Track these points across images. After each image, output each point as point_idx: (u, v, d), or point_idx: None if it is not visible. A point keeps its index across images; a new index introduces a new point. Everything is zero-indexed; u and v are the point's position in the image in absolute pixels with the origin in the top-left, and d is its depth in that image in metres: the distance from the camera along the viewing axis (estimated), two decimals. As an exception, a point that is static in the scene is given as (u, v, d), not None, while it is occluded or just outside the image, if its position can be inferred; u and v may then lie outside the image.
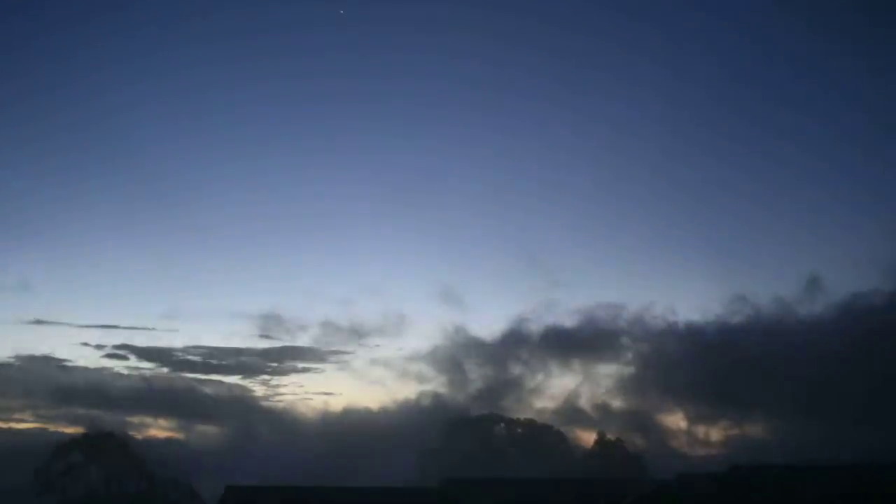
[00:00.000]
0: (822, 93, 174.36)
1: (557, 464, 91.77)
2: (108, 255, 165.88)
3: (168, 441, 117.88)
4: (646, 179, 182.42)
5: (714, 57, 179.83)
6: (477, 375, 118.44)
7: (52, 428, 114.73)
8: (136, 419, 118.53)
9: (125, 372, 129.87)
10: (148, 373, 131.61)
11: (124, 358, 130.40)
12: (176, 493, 79.19)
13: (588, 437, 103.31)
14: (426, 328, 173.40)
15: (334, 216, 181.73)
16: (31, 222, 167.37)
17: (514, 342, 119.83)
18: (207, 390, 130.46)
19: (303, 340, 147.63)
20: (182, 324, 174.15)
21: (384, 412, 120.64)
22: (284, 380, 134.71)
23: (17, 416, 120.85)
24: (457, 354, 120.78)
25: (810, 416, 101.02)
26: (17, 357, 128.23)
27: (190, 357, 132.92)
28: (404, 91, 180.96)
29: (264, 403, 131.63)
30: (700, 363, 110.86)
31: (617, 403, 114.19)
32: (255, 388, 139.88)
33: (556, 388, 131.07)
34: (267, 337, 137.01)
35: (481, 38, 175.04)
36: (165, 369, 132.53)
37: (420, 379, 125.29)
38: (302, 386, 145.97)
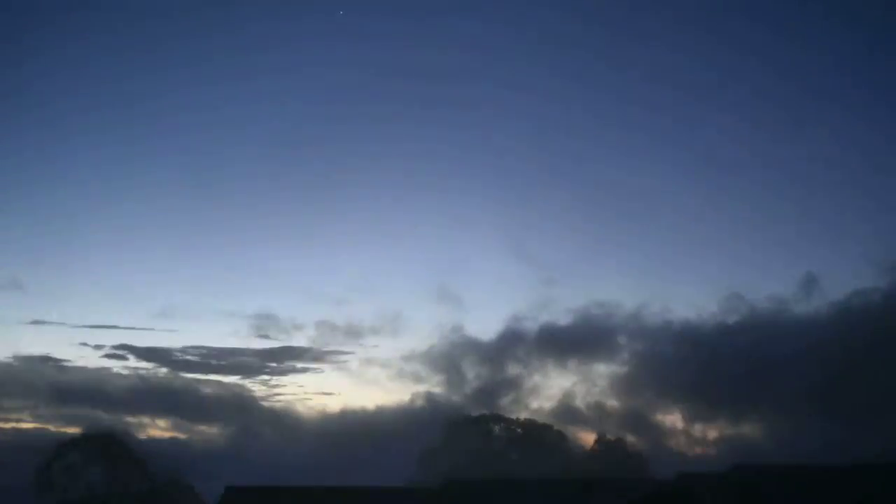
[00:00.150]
0: (819, 92, 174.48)
1: (557, 464, 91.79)
2: (105, 255, 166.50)
3: (168, 441, 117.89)
4: (642, 177, 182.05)
5: (710, 55, 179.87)
6: (474, 375, 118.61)
7: (51, 428, 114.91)
8: (135, 419, 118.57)
9: (124, 372, 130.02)
10: (147, 373, 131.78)
11: (123, 358, 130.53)
12: (176, 493, 79.11)
13: (588, 437, 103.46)
14: (423, 328, 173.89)
15: (329, 215, 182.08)
16: (30, 223, 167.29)
17: (511, 341, 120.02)
18: (207, 390, 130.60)
19: (299, 340, 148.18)
20: (179, 324, 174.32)
21: (383, 412, 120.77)
22: (284, 380, 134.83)
23: (16, 416, 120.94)
24: (454, 354, 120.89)
25: (807, 416, 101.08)
26: (16, 357, 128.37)
27: (189, 357, 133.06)
28: (400, 90, 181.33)
29: (264, 403, 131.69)
30: (696, 362, 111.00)
31: (613, 403, 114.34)
32: (254, 389, 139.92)
33: (553, 387, 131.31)
34: (265, 337, 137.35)
35: (478, 36, 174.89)
36: (164, 369, 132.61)
37: (418, 379, 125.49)
38: (301, 386, 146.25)
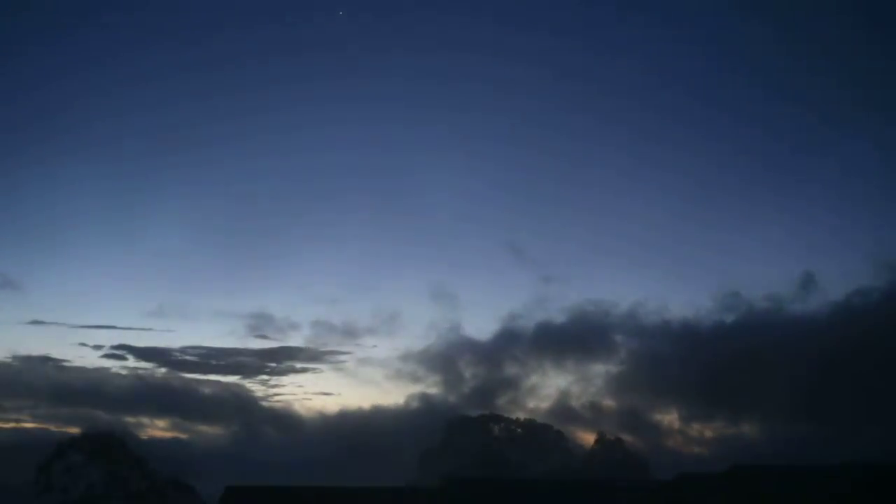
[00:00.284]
0: (817, 91, 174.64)
1: (557, 464, 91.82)
2: (104, 256, 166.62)
3: (168, 441, 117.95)
4: (639, 176, 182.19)
5: (710, 55, 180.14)
6: (471, 374, 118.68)
7: (51, 428, 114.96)
8: (135, 419, 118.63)
9: (123, 372, 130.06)
10: (146, 373, 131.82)
11: (122, 358, 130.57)
12: (176, 492, 79.04)
13: (588, 437, 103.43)
14: (420, 327, 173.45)
15: (323, 214, 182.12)
16: (28, 224, 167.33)
17: (508, 341, 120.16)
18: (206, 390, 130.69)
19: (295, 340, 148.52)
20: (177, 324, 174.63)
21: (382, 412, 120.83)
22: (283, 380, 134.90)
23: (15, 415, 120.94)
24: (451, 354, 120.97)
25: (804, 414, 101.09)
26: (15, 357, 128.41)
27: (187, 357, 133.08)
28: (397, 91, 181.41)
29: (263, 404, 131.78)
30: (693, 361, 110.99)
31: (610, 402, 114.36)
32: (253, 389, 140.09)
33: (550, 387, 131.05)
34: (263, 337, 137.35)
35: (476, 36, 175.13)
36: (163, 369, 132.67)
37: (416, 379, 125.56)
38: (300, 386, 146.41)
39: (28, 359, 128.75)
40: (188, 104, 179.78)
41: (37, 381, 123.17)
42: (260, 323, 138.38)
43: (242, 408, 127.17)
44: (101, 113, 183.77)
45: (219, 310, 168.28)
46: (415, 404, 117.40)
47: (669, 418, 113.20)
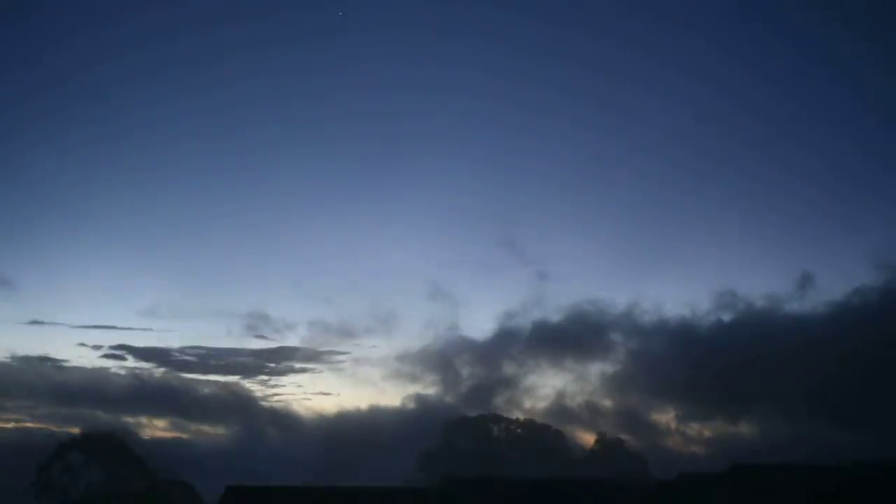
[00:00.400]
0: (816, 89, 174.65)
1: (557, 464, 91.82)
2: (103, 256, 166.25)
3: (168, 441, 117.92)
4: (636, 173, 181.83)
5: (707, 54, 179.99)
6: (468, 374, 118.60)
7: (51, 428, 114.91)
8: (135, 419, 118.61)
9: (123, 372, 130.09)
10: (146, 373, 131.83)
11: (122, 358, 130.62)
12: (175, 492, 79.03)
13: (588, 437, 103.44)
14: (416, 326, 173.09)
15: (317, 213, 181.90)
16: (28, 223, 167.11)
17: (505, 340, 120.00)
18: (206, 390, 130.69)
19: (292, 340, 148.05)
20: (175, 324, 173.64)
21: (382, 412, 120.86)
22: (283, 380, 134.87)
23: (15, 416, 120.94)
24: (448, 353, 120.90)
25: (803, 414, 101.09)
26: (14, 357, 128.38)
27: (187, 357, 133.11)
28: (393, 87, 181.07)
29: (263, 404, 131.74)
30: (691, 359, 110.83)
31: (607, 401, 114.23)
32: (253, 389, 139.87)
33: (547, 386, 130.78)
34: (262, 337, 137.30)
35: (473, 34, 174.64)
36: (163, 369, 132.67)
37: (413, 379, 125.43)
38: (300, 386, 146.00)
39: (27, 359, 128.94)
40: (185, 102, 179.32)
41: (36, 381, 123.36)
42: (257, 323, 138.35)
43: (242, 408, 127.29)
44: (100, 113, 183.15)
45: (217, 310, 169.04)
46: (413, 404, 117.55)
47: (668, 418, 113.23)
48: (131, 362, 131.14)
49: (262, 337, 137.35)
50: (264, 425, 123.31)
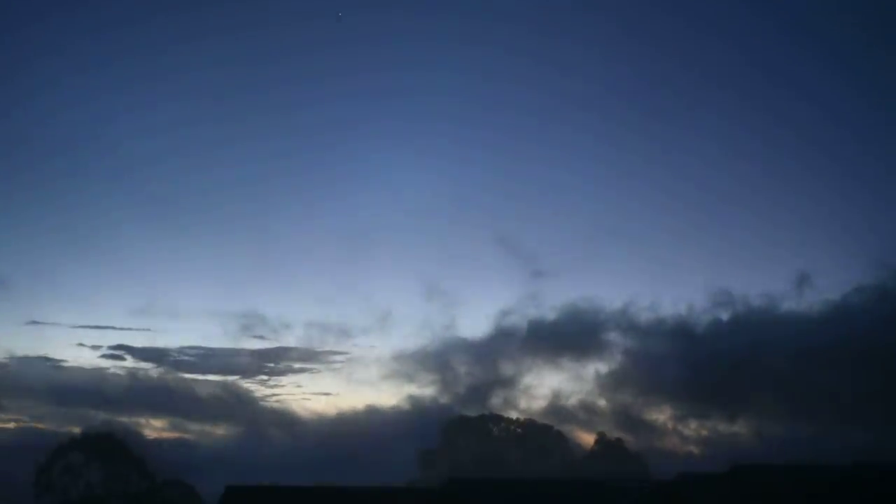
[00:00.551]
0: (813, 88, 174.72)
1: (557, 464, 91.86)
2: (101, 256, 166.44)
3: (167, 441, 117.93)
4: (632, 171, 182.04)
5: (704, 53, 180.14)
6: (465, 374, 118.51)
7: (50, 428, 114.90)
8: (134, 419, 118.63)
9: (122, 372, 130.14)
10: (145, 373, 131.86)
11: (121, 358, 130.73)
12: (175, 492, 79.05)
13: (587, 437, 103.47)
14: (412, 326, 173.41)
15: (312, 212, 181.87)
16: (26, 224, 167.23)
17: (501, 339, 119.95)
18: (205, 390, 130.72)
19: (290, 340, 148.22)
20: (173, 324, 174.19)
21: (381, 412, 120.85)
22: (282, 380, 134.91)
23: (15, 416, 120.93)
24: (445, 353, 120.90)
25: (799, 414, 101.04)
26: (13, 358, 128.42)
27: (186, 357, 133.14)
28: (389, 85, 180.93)
29: (263, 404, 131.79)
30: (688, 358, 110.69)
31: (605, 401, 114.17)
32: (253, 389, 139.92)
33: (543, 386, 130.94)
34: (260, 338, 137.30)
35: (469, 32, 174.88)
36: (162, 369, 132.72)
37: (411, 379, 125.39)
38: (300, 386, 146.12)
39: (26, 359, 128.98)
40: (182, 102, 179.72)
41: (35, 381, 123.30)
42: (254, 323, 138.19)
43: (242, 408, 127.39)
44: (98, 113, 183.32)
45: (215, 310, 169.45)
46: (411, 404, 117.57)
47: (665, 417, 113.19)
48: (130, 362, 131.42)
49: (260, 337, 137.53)
50: (264, 425, 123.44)
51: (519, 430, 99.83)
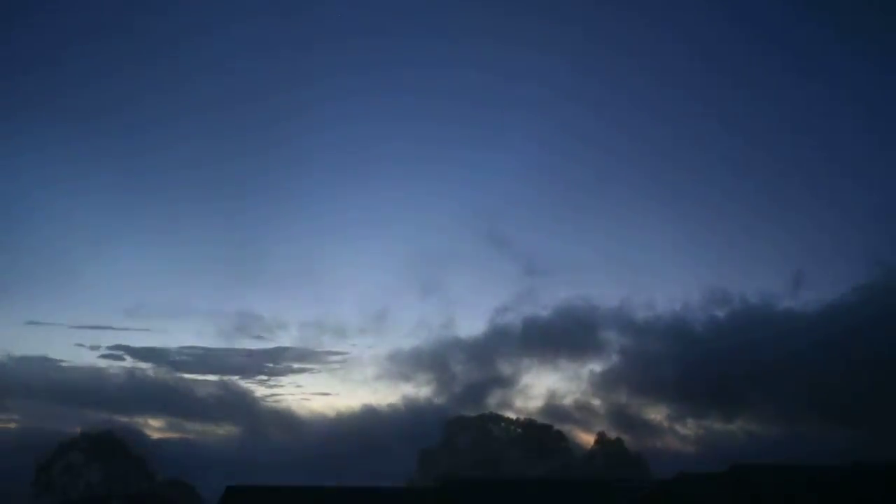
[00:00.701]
0: (811, 86, 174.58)
1: (557, 464, 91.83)
2: (100, 256, 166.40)
3: (167, 441, 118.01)
4: (628, 169, 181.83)
5: (703, 52, 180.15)
6: (461, 373, 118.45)
7: (50, 428, 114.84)
8: (134, 419, 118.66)
9: (121, 372, 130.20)
10: (144, 373, 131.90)
11: (120, 358, 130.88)
12: (175, 492, 79.11)
13: (586, 437, 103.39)
14: (409, 326, 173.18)
15: (308, 212, 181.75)
16: (25, 224, 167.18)
17: (497, 338, 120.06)
18: (205, 390, 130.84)
19: (288, 340, 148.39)
20: (172, 324, 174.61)
21: (381, 412, 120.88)
22: (282, 380, 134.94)
23: (14, 416, 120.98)
24: (441, 353, 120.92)
25: (796, 412, 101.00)
26: (12, 358, 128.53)
27: (185, 357, 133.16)
28: (384, 84, 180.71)
29: (263, 404, 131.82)
30: (686, 357, 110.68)
31: (602, 400, 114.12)
32: (253, 389, 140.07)
33: (539, 385, 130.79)
34: (259, 338, 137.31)
35: (466, 30, 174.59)
36: (161, 369, 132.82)
37: (408, 379, 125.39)
38: (299, 386, 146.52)
39: (25, 359, 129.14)
40: (180, 101, 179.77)
41: (35, 381, 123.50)
42: (252, 323, 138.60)
43: (242, 408, 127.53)
44: (96, 114, 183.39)
45: (214, 310, 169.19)
46: (409, 404, 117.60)
47: (664, 416, 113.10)
48: (129, 362, 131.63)
49: (259, 337, 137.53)
50: (264, 425, 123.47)
51: (519, 429, 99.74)
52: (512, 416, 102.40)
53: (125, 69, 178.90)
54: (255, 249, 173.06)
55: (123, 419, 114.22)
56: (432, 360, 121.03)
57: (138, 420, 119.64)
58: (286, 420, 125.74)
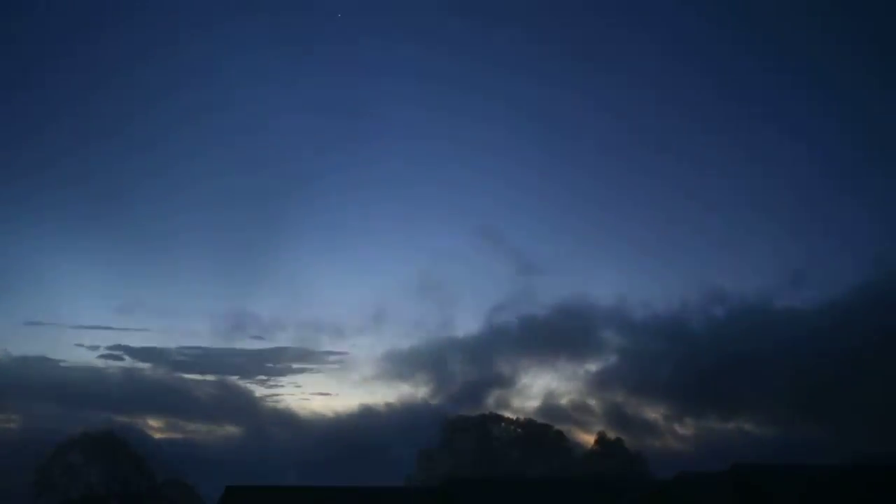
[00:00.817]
0: (809, 85, 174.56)
1: (557, 464, 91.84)
2: (98, 256, 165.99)
3: (167, 441, 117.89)
4: (625, 167, 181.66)
5: (699, 49, 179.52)
6: (459, 372, 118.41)
7: (50, 428, 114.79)
8: (134, 419, 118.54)
9: (121, 372, 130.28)
10: (144, 373, 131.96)
11: (119, 358, 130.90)
12: (175, 492, 79.14)
13: (586, 437, 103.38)
14: (406, 325, 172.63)
15: (303, 211, 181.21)
16: (25, 224, 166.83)
17: (493, 337, 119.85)
18: (205, 390, 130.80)
19: (284, 340, 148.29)
20: (171, 324, 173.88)
21: (380, 412, 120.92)
22: (282, 380, 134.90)
23: (14, 416, 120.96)
24: (439, 352, 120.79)
25: (794, 412, 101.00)
26: (11, 358, 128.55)
27: (185, 357, 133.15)
28: (380, 83, 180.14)
29: (263, 404, 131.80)
30: (681, 355, 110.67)
31: (597, 399, 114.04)
32: (252, 389, 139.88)
33: (536, 385, 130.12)
34: (258, 338, 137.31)
35: (459, 28, 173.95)
36: (161, 369, 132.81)
37: (406, 378, 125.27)
38: (299, 386, 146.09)
39: (25, 360, 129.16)
40: (178, 102, 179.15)
41: (34, 381, 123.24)
42: (251, 323, 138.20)
43: (242, 408, 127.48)
44: (100, 112, 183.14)
45: (212, 310, 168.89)
46: (408, 404, 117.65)
47: (663, 416, 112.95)
48: (128, 362, 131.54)
49: (258, 337, 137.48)
50: (264, 425, 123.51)
51: (519, 429, 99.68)
52: (510, 415, 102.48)
53: (131, 70, 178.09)
54: (252, 249, 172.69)
55: (123, 419, 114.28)
56: (429, 359, 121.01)
57: (138, 420, 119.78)
58: (286, 420, 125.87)
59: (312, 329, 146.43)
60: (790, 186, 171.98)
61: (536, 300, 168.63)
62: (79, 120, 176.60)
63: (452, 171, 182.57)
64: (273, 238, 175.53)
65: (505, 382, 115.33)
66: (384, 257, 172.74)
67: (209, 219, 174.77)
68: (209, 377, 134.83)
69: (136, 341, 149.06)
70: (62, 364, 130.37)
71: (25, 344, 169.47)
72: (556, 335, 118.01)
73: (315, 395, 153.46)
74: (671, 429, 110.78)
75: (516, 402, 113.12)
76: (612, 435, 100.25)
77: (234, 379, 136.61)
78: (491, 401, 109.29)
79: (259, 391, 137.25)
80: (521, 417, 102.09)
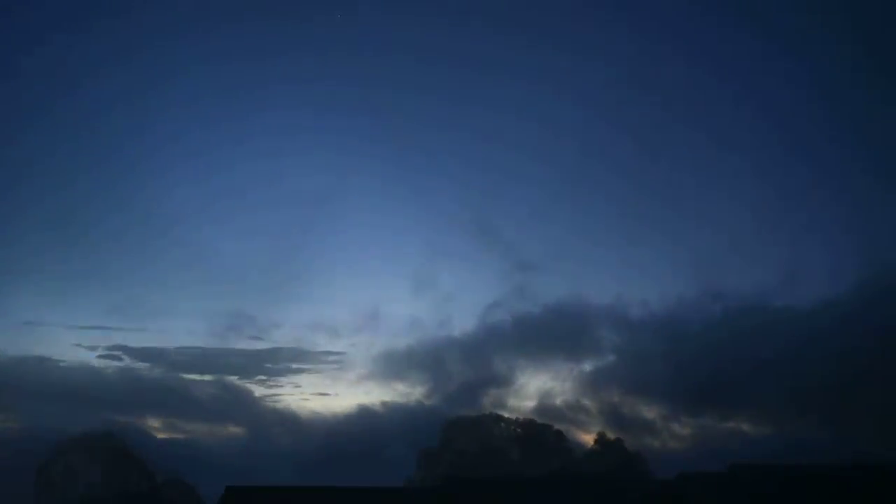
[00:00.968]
0: (807, 84, 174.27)
1: (557, 464, 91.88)
2: (97, 256, 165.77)
3: (167, 441, 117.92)
4: (622, 165, 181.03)
5: (696, 46, 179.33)
6: (456, 372, 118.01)
7: (49, 428, 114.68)
8: (133, 419, 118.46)
9: (120, 372, 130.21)
10: (143, 373, 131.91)
11: (118, 358, 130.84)
12: (175, 493, 79.17)
13: (587, 436, 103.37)
14: (402, 324, 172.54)
15: (301, 210, 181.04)
16: (24, 224, 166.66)
17: (488, 336, 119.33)
18: (204, 390, 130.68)
19: (285, 340, 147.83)
20: (170, 324, 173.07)
21: (378, 412, 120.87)
22: (281, 380, 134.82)
23: (14, 416, 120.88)
24: (435, 351, 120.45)
25: (792, 412, 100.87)
26: (10, 358, 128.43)
27: (184, 357, 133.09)
28: (376, 83, 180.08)
29: (262, 404, 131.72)
30: (678, 354, 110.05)
31: (594, 398, 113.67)
32: (252, 389, 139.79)
33: (532, 384, 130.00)
34: (257, 338, 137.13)
35: (446, 25, 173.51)
36: (160, 369, 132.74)
37: (403, 378, 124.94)
38: (298, 387, 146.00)
39: (24, 360, 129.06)
40: (177, 102, 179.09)
41: (33, 381, 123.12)
42: (248, 323, 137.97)
43: (241, 408, 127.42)
44: (101, 111, 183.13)
45: (212, 310, 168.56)
46: (406, 404, 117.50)
47: (659, 415, 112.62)
48: (127, 362, 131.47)
49: (257, 338, 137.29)
50: (264, 426, 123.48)
51: (519, 429, 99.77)
52: (508, 415, 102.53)
53: (131, 70, 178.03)
54: (249, 249, 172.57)
55: (122, 419, 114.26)
56: (425, 359, 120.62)
57: (137, 420, 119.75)
58: (286, 420, 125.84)
59: (309, 329, 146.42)
60: (788, 185, 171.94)
61: (532, 298, 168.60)
62: (79, 120, 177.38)
63: (447, 169, 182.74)
64: (271, 237, 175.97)
65: (501, 382, 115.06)
66: (380, 258, 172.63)
67: (208, 219, 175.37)
68: (208, 377, 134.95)
69: (135, 341, 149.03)
70: (61, 364, 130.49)
71: (24, 344, 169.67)
72: (552, 334, 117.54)
73: (314, 395, 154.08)
74: (669, 428, 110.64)
75: (512, 402, 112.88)
76: (611, 435, 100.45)
77: (233, 379, 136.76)
78: (487, 401, 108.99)
79: (259, 391, 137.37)
80: (521, 417, 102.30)
